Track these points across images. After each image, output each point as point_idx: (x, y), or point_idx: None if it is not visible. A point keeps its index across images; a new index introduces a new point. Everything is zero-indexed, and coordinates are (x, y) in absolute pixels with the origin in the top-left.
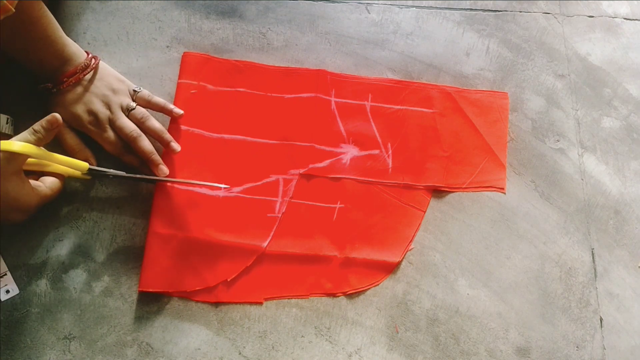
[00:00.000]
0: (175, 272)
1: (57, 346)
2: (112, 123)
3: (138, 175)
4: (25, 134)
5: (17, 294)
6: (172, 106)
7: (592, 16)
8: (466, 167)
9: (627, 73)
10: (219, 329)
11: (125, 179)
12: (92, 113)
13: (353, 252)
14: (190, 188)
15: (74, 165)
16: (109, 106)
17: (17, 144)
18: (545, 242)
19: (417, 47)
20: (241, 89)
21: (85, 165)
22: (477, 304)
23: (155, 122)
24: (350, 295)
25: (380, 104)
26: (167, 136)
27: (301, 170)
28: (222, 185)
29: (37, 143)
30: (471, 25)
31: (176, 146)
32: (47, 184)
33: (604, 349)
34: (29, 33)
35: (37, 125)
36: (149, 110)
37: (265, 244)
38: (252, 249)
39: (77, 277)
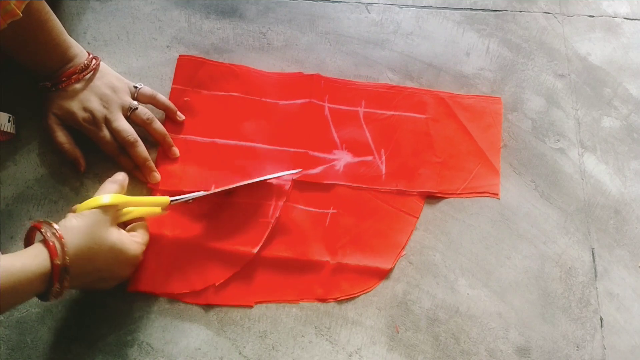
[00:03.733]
0: (164, 275)
1: (57, 346)
2: (109, 124)
3: (218, 189)
4: (107, 185)
5: None
6: (175, 108)
7: (592, 16)
8: (459, 172)
9: (627, 73)
10: (219, 329)
11: (205, 197)
12: (87, 110)
13: (345, 258)
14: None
15: (156, 202)
16: (107, 105)
17: (105, 197)
18: (545, 242)
19: (417, 47)
20: (235, 94)
21: (166, 199)
22: (477, 303)
23: (160, 125)
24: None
25: (373, 110)
26: (169, 140)
27: (294, 176)
28: (295, 171)
29: (121, 191)
30: (471, 25)
31: (176, 151)
32: (139, 231)
33: (604, 348)
34: (35, 37)
35: (118, 175)
36: (148, 107)
37: (255, 250)
38: (243, 255)
39: None
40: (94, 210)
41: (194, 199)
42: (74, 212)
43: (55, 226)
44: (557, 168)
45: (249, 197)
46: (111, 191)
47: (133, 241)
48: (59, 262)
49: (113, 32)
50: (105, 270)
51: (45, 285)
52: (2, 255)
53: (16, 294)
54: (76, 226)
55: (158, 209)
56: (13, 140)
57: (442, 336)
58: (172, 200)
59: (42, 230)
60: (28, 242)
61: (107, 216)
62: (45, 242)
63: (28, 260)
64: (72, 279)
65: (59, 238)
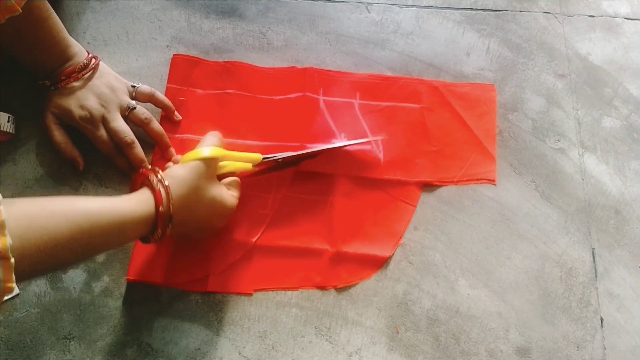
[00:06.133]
0: (164, 264)
1: (57, 346)
2: (106, 123)
3: (307, 150)
4: (208, 138)
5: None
6: (173, 106)
7: (593, 16)
8: (456, 161)
9: (628, 73)
10: (219, 329)
11: (295, 158)
12: (85, 109)
13: (344, 246)
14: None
15: (250, 158)
16: (105, 105)
17: (206, 150)
18: (545, 242)
19: (417, 47)
20: (230, 91)
21: (259, 156)
22: (478, 304)
23: (158, 125)
24: (350, 295)
25: (368, 102)
26: (167, 140)
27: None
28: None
29: (220, 144)
30: (471, 25)
31: (173, 151)
32: (233, 185)
33: (605, 349)
34: (35, 34)
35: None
36: (147, 107)
37: (254, 240)
38: (242, 243)
39: (77, 277)
40: (197, 162)
41: (284, 158)
42: (175, 162)
43: (162, 174)
44: (558, 168)
45: (249, 189)
46: (212, 144)
47: (230, 194)
48: (163, 210)
49: (113, 32)
50: (204, 220)
51: (149, 229)
52: (109, 197)
53: (122, 234)
54: (181, 176)
55: (249, 165)
56: (13, 140)
57: (442, 336)
58: (264, 158)
59: (150, 177)
60: (133, 188)
61: (209, 168)
62: (151, 188)
63: (136, 204)
64: (173, 226)
65: (165, 187)
